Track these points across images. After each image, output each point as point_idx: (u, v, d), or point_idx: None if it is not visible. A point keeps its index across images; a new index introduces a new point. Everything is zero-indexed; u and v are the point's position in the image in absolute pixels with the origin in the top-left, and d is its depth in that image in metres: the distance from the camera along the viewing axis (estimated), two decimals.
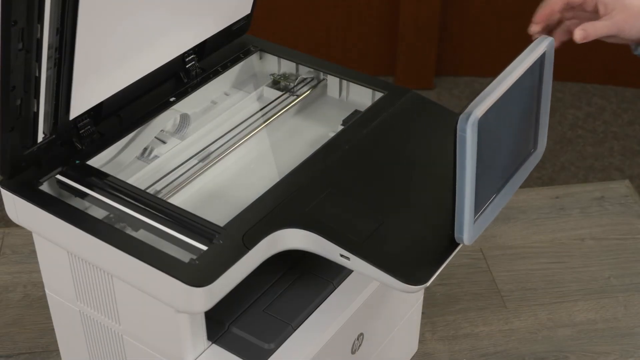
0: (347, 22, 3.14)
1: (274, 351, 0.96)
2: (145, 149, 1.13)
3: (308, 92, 1.24)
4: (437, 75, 3.23)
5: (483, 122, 0.88)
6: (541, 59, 1.00)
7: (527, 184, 2.56)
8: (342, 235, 0.94)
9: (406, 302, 1.19)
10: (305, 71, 1.26)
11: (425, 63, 3.17)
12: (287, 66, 1.28)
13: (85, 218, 0.96)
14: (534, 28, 1.03)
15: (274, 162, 1.14)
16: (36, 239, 1.05)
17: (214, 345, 0.98)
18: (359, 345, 1.08)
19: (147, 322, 0.98)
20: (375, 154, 1.07)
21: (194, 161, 1.12)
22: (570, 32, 1.05)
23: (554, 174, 2.80)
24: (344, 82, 1.24)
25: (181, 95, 1.17)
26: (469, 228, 0.93)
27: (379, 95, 1.19)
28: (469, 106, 0.87)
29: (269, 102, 1.22)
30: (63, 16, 0.91)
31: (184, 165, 1.11)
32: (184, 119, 1.17)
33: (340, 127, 1.15)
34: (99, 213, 0.99)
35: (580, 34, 1.03)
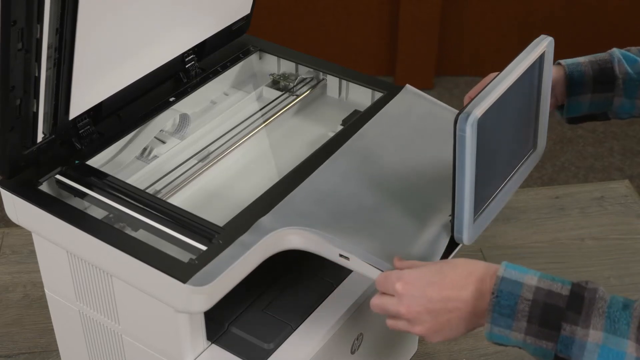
0: (347, 22, 3.14)
1: (274, 351, 0.96)
2: (145, 148, 1.13)
3: (308, 92, 1.24)
4: (437, 75, 3.23)
5: (482, 122, 0.87)
6: (540, 59, 0.99)
7: (527, 184, 2.56)
8: (341, 234, 0.94)
9: None
10: (304, 71, 1.26)
11: (425, 63, 3.17)
12: (287, 66, 1.28)
13: (85, 218, 0.96)
14: None
15: (274, 162, 1.14)
16: (36, 239, 1.05)
17: (213, 345, 0.98)
18: (359, 345, 1.08)
19: (146, 322, 0.98)
20: (375, 152, 1.07)
21: (193, 161, 1.11)
22: None
23: (554, 174, 2.80)
24: (344, 82, 1.24)
25: (181, 95, 1.17)
26: (468, 228, 0.93)
27: (378, 95, 1.19)
28: (469, 106, 0.87)
29: (268, 102, 1.22)
30: (62, 16, 0.91)
31: (183, 165, 1.10)
32: (184, 119, 1.17)
33: (340, 127, 1.15)
34: (98, 213, 0.99)
35: None
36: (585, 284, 0.83)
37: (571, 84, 1.14)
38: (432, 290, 0.87)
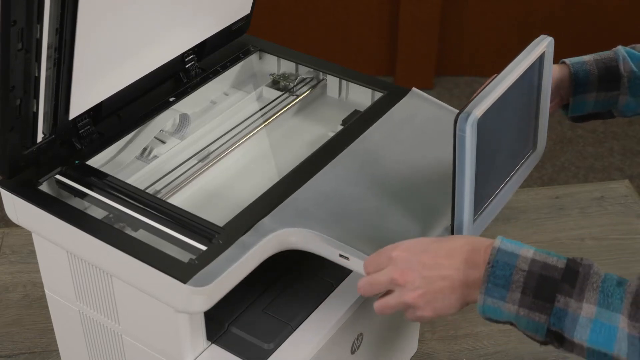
0: (347, 22, 3.14)
1: (274, 351, 0.96)
2: (145, 148, 1.13)
3: (308, 92, 1.24)
4: (437, 75, 3.23)
5: (482, 122, 0.87)
6: (540, 59, 0.99)
7: (527, 184, 2.56)
8: (341, 234, 0.94)
9: None
10: (304, 71, 1.26)
11: (425, 63, 3.17)
12: (287, 66, 1.28)
13: (85, 218, 0.96)
14: None
15: (274, 162, 1.14)
16: (36, 239, 1.05)
17: (213, 345, 0.98)
18: (359, 345, 1.08)
19: (146, 322, 0.98)
20: (378, 155, 1.07)
21: (193, 161, 1.12)
22: None
23: (554, 174, 2.80)
24: (344, 82, 1.23)
25: (181, 95, 1.17)
26: (468, 228, 0.93)
27: (378, 95, 1.19)
28: (469, 106, 0.87)
29: (268, 102, 1.22)
30: (62, 16, 0.91)
31: (183, 165, 1.10)
32: (184, 119, 1.17)
33: (340, 127, 1.15)
34: (98, 213, 0.99)
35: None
36: (580, 260, 0.83)
37: (576, 83, 1.14)
38: (427, 256, 0.88)
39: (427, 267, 0.88)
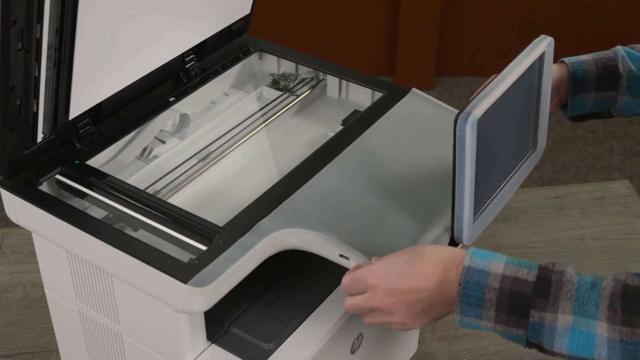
0: (347, 22, 3.14)
1: (274, 351, 0.96)
2: (145, 148, 1.13)
3: (308, 92, 1.24)
4: (437, 75, 3.23)
5: (482, 122, 0.87)
6: (540, 59, 0.99)
7: (527, 184, 2.56)
8: (341, 234, 0.94)
9: None
10: (304, 71, 1.26)
11: (425, 63, 3.17)
12: (287, 66, 1.28)
13: (85, 218, 0.96)
14: None
15: (274, 162, 1.14)
16: (36, 239, 1.05)
17: (213, 345, 0.98)
18: (359, 345, 1.08)
19: (146, 322, 0.98)
20: (378, 155, 1.07)
21: (193, 161, 1.12)
22: None
23: (554, 174, 2.80)
24: (344, 82, 1.23)
25: (181, 95, 1.17)
26: (468, 228, 0.93)
27: (378, 95, 1.19)
28: (469, 106, 0.87)
29: (268, 102, 1.22)
30: (62, 16, 0.91)
31: (183, 165, 1.10)
32: (184, 119, 1.17)
33: (340, 127, 1.15)
34: (98, 213, 0.99)
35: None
36: (552, 267, 0.83)
37: (575, 82, 1.14)
38: (403, 282, 0.88)
39: (404, 293, 0.88)
